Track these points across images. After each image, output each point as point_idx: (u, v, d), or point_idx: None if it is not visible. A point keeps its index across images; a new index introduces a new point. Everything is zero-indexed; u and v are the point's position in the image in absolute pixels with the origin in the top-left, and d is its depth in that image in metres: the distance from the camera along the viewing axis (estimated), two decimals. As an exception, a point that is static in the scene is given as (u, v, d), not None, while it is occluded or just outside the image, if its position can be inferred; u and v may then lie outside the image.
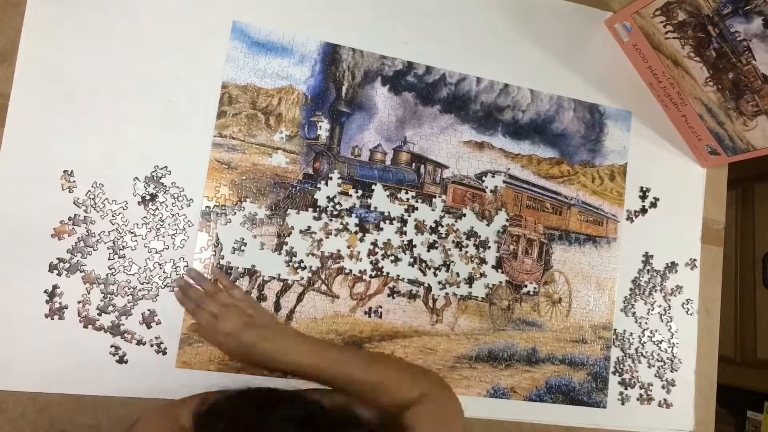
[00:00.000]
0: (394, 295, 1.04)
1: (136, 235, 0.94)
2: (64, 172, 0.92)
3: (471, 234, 1.09)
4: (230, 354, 0.94)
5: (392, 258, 1.04)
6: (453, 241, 1.08)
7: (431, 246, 1.07)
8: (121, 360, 0.92)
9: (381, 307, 1.03)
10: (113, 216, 0.94)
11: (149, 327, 0.94)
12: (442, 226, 1.07)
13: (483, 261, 1.09)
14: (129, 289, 0.94)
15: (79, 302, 0.92)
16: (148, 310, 0.94)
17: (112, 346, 0.92)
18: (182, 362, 0.94)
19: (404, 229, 1.06)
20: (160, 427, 0.77)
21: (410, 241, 1.06)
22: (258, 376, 0.96)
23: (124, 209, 0.94)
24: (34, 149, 0.92)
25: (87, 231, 0.93)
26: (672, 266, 1.19)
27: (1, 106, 0.91)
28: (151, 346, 0.94)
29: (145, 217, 0.95)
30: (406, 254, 1.05)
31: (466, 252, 1.08)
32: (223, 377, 0.95)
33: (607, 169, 1.18)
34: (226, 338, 0.88)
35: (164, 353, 0.94)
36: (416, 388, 0.87)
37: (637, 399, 1.14)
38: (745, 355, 2.00)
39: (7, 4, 0.93)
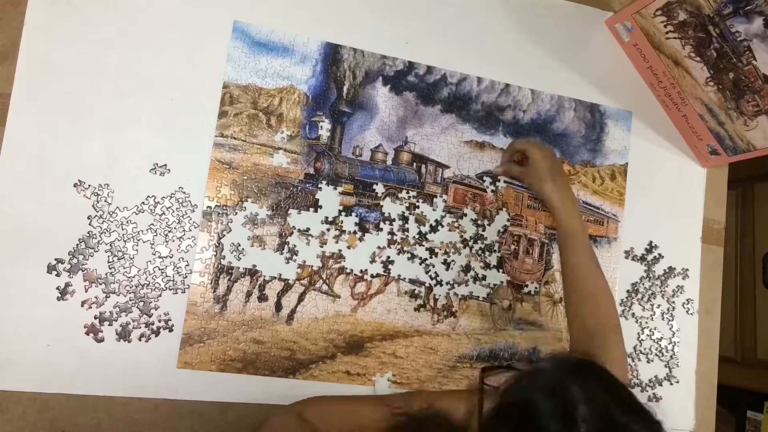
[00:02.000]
0: (396, 294, 1.04)
1: (137, 237, 0.94)
2: (65, 171, 0.92)
3: (477, 237, 1.09)
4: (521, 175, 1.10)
5: (396, 254, 1.04)
6: (453, 242, 1.08)
7: (431, 252, 1.07)
8: (123, 360, 0.92)
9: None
10: (115, 216, 0.94)
11: (151, 327, 0.94)
12: (443, 226, 1.07)
13: (485, 261, 1.09)
14: (131, 288, 0.93)
15: (82, 303, 0.91)
16: (150, 310, 0.94)
17: (113, 347, 0.92)
18: (184, 362, 0.94)
19: (406, 225, 1.06)
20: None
21: (418, 236, 1.06)
22: (258, 376, 0.96)
23: (126, 209, 0.94)
24: (35, 149, 0.92)
25: (88, 231, 0.93)
26: (672, 266, 1.19)
27: (2, 105, 0.91)
28: (153, 346, 0.94)
29: (143, 219, 0.95)
30: (405, 254, 1.05)
31: (470, 251, 1.08)
32: (224, 377, 0.95)
33: (607, 168, 1.19)
34: (537, 157, 1.05)
35: (165, 353, 0.94)
36: (612, 337, 0.97)
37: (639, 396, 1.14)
38: (745, 355, 2.01)
39: (8, 3, 0.93)
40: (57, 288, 0.91)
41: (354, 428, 0.84)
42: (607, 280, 1.12)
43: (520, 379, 0.66)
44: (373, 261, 1.03)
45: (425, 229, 1.07)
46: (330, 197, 1.03)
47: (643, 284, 1.17)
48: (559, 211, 1.04)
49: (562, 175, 1.08)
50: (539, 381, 0.64)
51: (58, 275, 0.91)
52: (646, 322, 1.16)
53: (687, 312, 1.19)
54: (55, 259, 0.91)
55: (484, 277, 1.09)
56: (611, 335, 0.97)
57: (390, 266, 1.04)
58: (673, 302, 1.18)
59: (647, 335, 1.16)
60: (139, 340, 0.93)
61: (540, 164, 1.04)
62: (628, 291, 1.16)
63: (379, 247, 1.04)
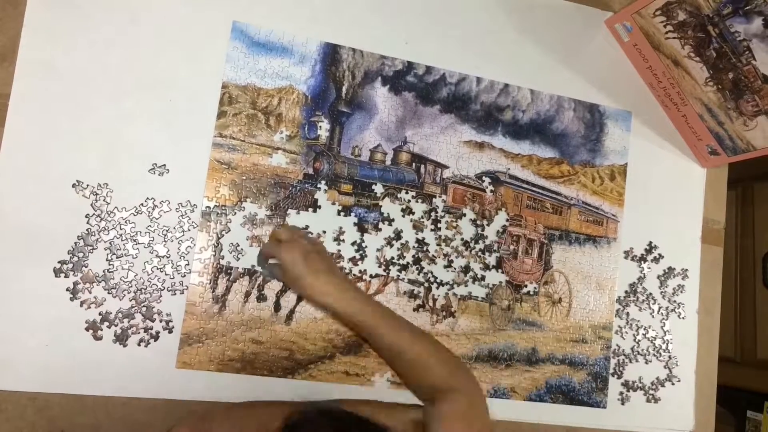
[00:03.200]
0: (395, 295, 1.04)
1: (135, 237, 0.94)
2: (64, 171, 0.92)
3: (479, 237, 1.09)
4: (284, 279, 0.89)
5: (395, 257, 1.05)
6: (451, 243, 1.08)
7: (428, 256, 1.07)
8: (122, 360, 0.92)
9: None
10: (114, 216, 0.94)
11: (149, 327, 0.94)
12: (440, 224, 1.07)
13: (484, 261, 1.09)
14: (131, 291, 0.93)
15: (81, 303, 0.92)
16: (149, 310, 0.94)
17: (112, 347, 0.92)
18: (182, 362, 0.94)
19: (405, 223, 1.06)
20: None
21: (421, 240, 1.06)
22: (257, 376, 0.96)
23: (124, 209, 0.94)
24: (34, 149, 0.92)
25: (87, 231, 0.93)
26: (671, 266, 1.19)
27: (1, 105, 0.91)
28: (152, 346, 0.94)
29: (142, 220, 0.95)
30: (405, 256, 1.06)
31: (470, 251, 1.08)
32: (223, 377, 0.95)
33: (607, 169, 1.18)
34: (286, 262, 0.85)
35: (164, 353, 0.94)
36: (453, 379, 0.85)
37: (638, 399, 1.14)
38: (745, 355, 2.00)
39: (7, 4, 0.93)
40: (56, 288, 0.91)
41: None
42: (607, 280, 1.13)
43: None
44: (380, 265, 1.03)
45: (423, 234, 1.07)
46: (327, 204, 1.03)
47: (642, 284, 1.17)
48: (333, 308, 0.85)
49: (322, 267, 0.86)
50: None
51: (57, 275, 0.91)
52: (646, 323, 1.16)
53: (686, 312, 1.19)
54: (54, 259, 0.91)
55: (483, 278, 1.09)
56: (450, 382, 0.85)
57: (390, 267, 1.04)
58: (673, 302, 1.18)
59: (646, 336, 1.16)
60: (138, 345, 0.93)
61: (291, 269, 0.85)
62: (626, 291, 1.16)
63: (378, 249, 1.04)
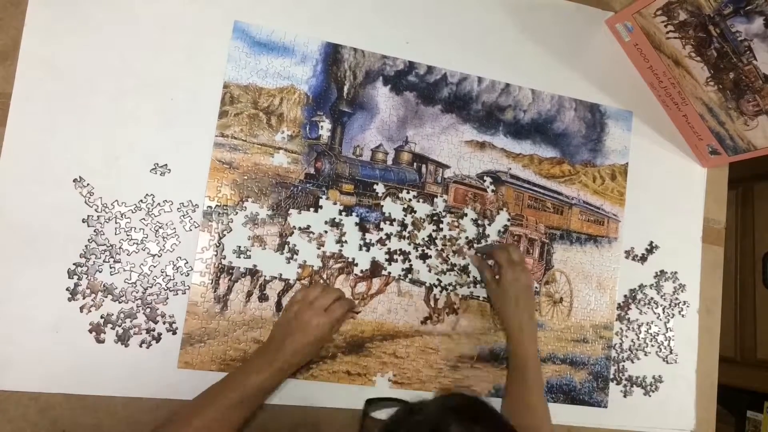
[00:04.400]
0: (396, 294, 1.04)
1: (137, 237, 0.94)
2: (66, 171, 0.92)
3: (479, 237, 1.09)
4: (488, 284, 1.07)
5: (398, 254, 1.05)
6: (453, 242, 1.08)
7: (431, 254, 1.07)
8: (124, 360, 0.92)
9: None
10: (115, 216, 0.94)
11: (151, 328, 0.94)
12: (441, 226, 1.07)
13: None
14: (131, 289, 0.93)
15: (83, 304, 0.91)
16: (152, 311, 0.94)
17: (114, 347, 0.92)
18: (184, 362, 0.94)
19: (406, 225, 1.06)
20: None
21: (428, 241, 1.06)
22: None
23: (126, 208, 0.94)
24: (36, 148, 0.92)
25: (88, 232, 0.92)
26: (672, 266, 1.19)
27: (2, 105, 0.91)
28: (153, 346, 0.94)
29: (144, 219, 0.95)
30: (409, 255, 1.06)
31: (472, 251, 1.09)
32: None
33: (608, 168, 1.19)
34: (506, 279, 1.02)
35: (166, 353, 0.94)
36: None
37: (639, 399, 1.14)
38: (745, 355, 2.01)
39: (9, 3, 0.93)
40: (58, 288, 0.91)
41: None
42: (608, 280, 1.13)
43: (402, 417, 0.65)
44: (382, 264, 1.04)
45: (425, 233, 1.07)
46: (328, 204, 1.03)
47: (642, 284, 1.17)
48: (515, 339, 1.00)
49: (529, 301, 1.02)
50: (420, 419, 0.63)
51: (59, 276, 0.91)
52: (646, 323, 1.16)
53: (687, 312, 1.19)
54: (55, 260, 0.91)
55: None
56: None
57: (391, 265, 1.04)
58: (673, 302, 1.18)
59: (647, 335, 1.16)
60: (140, 346, 0.93)
61: (508, 288, 1.01)
62: (628, 291, 1.16)
63: (380, 249, 1.04)
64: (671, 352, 1.17)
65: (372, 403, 0.77)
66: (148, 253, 0.95)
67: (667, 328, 1.17)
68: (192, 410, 0.84)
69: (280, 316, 0.96)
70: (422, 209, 1.07)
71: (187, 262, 0.96)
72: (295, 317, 0.91)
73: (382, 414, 0.76)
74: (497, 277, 1.04)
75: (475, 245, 1.09)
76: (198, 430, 0.81)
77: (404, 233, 1.05)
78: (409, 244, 1.06)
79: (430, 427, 0.61)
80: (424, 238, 1.06)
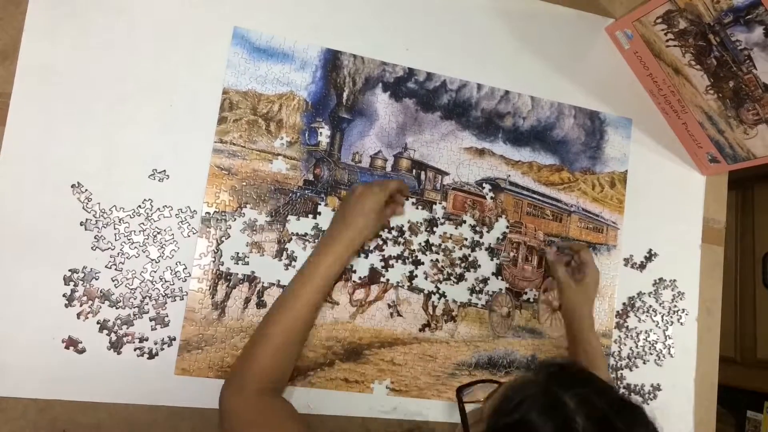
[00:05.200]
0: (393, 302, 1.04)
1: (134, 242, 0.94)
2: (64, 175, 0.92)
3: (476, 244, 1.09)
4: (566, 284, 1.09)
5: (396, 261, 1.04)
6: (450, 250, 1.08)
7: (428, 258, 1.07)
8: (120, 367, 0.92)
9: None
10: (113, 221, 0.94)
11: (149, 335, 0.93)
12: (438, 229, 1.07)
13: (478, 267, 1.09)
14: (129, 295, 0.93)
15: (77, 312, 0.91)
16: (148, 317, 0.94)
17: (110, 353, 0.92)
18: (181, 369, 0.94)
19: (404, 228, 1.06)
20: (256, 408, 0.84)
21: (428, 249, 1.06)
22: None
23: (128, 217, 0.94)
24: (34, 152, 0.92)
25: (86, 237, 0.92)
26: (671, 273, 1.19)
27: (2, 105, 0.91)
28: (151, 353, 0.93)
29: (142, 225, 0.95)
30: (407, 263, 1.05)
31: (468, 258, 1.08)
32: (222, 384, 0.95)
33: (607, 176, 1.18)
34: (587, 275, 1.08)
35: (163, 360, 0.94)
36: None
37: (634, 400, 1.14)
38: (745, 355, 2.01)
39: (9, 3, 0.93)
40: (55, 293, 0.91)
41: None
42: (607, 287, 1.13)
43: (510, 396, 0.64)
44: (380, 271, 1.03)
45: (422, 238, 1.06)
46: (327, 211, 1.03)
47: (641, 292, 1.17)
48: (584, 335, 1.05)
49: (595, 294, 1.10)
50: (530, 396, 0.62)
51: (56, 281, 0.91)
52: (645, 330, 1.16)
53: (686, 320, 1.19)
54: (52, 265, 0.91)
55: (484, 283, 1.09)
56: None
57: (388, 272, 1.04)
58: (672, 310, 1.18)
59: (646, 343, 1.16)
60: (137, 353, 0.93)
61: (592, 288, 1.08)
62: (626, 299, 1.16)
63: (379, 257, 1.04)
64: (670, 359, 1.17)
65: (462, 390, 0.77)
66: (146, 259, 0.94)
67: (666, 336, 1.17)
68: (278, 303, 0.92)
69: (339, 204, 1.02)
70: (421, 217, 1.07)
71: (185, 268, 0.96)
72: (352, 197, 0.96)
73: (478, 394, 0.77)
74: (576, 275, 1.09)
75: (557, 242, 1.13)
76: (291, 316, 0.90)
77: (400, 240, 1.05)
78: (404, 250, 1.05)
79: (544, 397, 0.61)
80: (420, 244, 1.06)
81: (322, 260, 0.92)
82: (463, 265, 1.08)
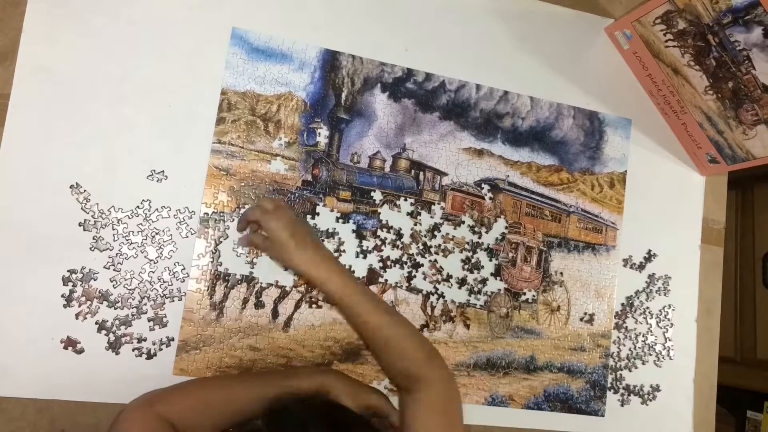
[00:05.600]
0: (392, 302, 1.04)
1: (133, 243, 0.94)
2: (63, 175, 0.92)
3: (475, 245, 1.09)
4: (267, 247, 0.92)
5: (395, 261, 1.04)
6: (448, 249, 1.08)
7: (426, 257, 1.07)
8: (119, 367, 0.92)
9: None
10: (111, 222, 0.94)
11: (147, 335, 0.94)
12: (439, 231, 1.07)
13: (480, 268, 1.09)
14: (127, 296, 0.93)
15: (76, 312, 0.91)
16: (147, 318, 0.94)
17: (109, 354, 0.92)
18: (179, 369, 0.94)
19: (402, 232, 1.06)
20: (148, 426, 0.77)
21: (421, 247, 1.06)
22: (255, 384, 0.96)
23: (126, 217, 0.94)
24: (34, 150, 0.92)
25: (85, 238, 0.92)
26: (670, 274, 1.19)
27: (1, 105, 0.91)
28: (149, 353, 0.94)
29: (141, 225, 0.95)
30: (406, 264, 1.05)
31: (467, 259, 1.08)
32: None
33: (606, 176, 1.18)
34: (272, 230, 0.88)
35: (161, 360, 0.94)
36: (428, 367, 0.86)
37: (636, 407, 1.14)
38: (745, 355, 2.01)
39: (8, 4, 0.93)
40: (54, 294, 0.91)
41: (232, 418, 0.83)
42: (606, 288, 1.12)
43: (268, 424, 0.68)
44: (378, 271, 1.03)
45: (421, 241, 1.06)
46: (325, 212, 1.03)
47: (640, 292, 1.17)
48: (317, 279, 0.88)
49: (309, 239, 0.91)
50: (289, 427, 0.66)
51: (54, 282, 0.91)
52: (644, 330, 1.16)
53: (685, 320, 1.18)
54: (51, 266, 0.91)
55: (482, 284, 1.09)
56: (425, 369, 0.87)
57: (387, 272, 1.04)
58: (671, 310, 1.18)
59: (645, 343, 1.16)
60: (135, 353, 0.93)
61: (278, 236, 0.88)
62: (625, 299, 1.16)
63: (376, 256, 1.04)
64: (669, 360, 1.16)
65: None
66: (144, 259, 0.94)
67: (665, 338, 1.17)
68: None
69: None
70: (420, 217, 1.07)
71: (183, 269, 0.96)
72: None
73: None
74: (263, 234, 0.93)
75: (235, 222, 0.99)
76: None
77: (398, 243, 1.05)
78: (403, 253, 1.05)
79: None
80: (419, 246, 1.06)
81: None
82: (466, 267, 1.08)
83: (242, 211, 0.98)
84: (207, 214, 0.97)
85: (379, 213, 1.05)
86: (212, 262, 0.97)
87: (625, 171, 1.19)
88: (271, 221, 0.88)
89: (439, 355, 0.90)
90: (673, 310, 1.18)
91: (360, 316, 0.88)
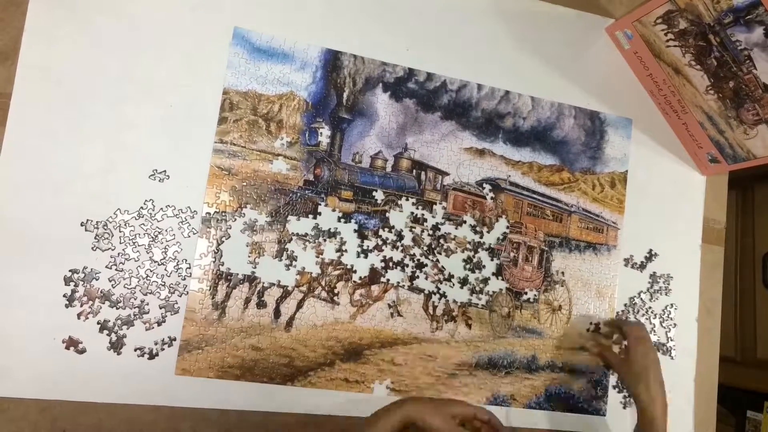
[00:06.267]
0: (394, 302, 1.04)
1: (135, 242, 0.94)
2: (64, 175, 0.92)
3: (477, 245, 1.09)
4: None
5: (397, 261, 1.04)
6: (450, 249, 1.08)
7: (429, 256, 1.07)
8: (121, 367, 0.92)
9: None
10: (113, 222, 0.93)
11: (149, 335, 0.94)
12: (438, 230, 1.07)
13: (482, 267, 1.09)
14: (129, 295, 0.93)
15: (78, 312, 0.91)
16: (149, 317, 0.94)
17: (111, 354, 0.92)
18: (182, 369, 0.94)
19: (403, 233, 1.06)
20: None
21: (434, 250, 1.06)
22: (256, 383, 0.96)
23: (128, 217, 0.94)
24: (35, 150, 0.92)
25: (87, 238, 0.92)
26: (671, 273, 1.19)
27: (2, 105, 0.91)
28: (151, 353, 0.93)
29: (143, 225, 0.95)
30: (408, 265, 1.06)
31: (469, 258, 1.08)
32: (222, 384, 0.95)
33: (607, 176, 1.18)
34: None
35: (163, 361, 0.94)
36: None
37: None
38: (745, 355, 2.01)
39: (9, 4, 0.93)
40: (55, 294, 0.91)
41: None
42: (607, 287, 1.12)
43: None
44: (380, 272, 1.03)
45: (422, 242, 1.07)
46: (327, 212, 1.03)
47: (642, 291, 1.17)
48: (648, 413, 1.01)
49: (658, 374, 1.04)
50: None
51: (56, 282, 0.91)
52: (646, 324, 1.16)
53: (686, 320, 1.19)
54: (53, 266, 0.91)
55: (484, 283, 1.09)
56: None
57: (389, 272, 1.04)
58: (672, 310, 1.18)
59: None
60: (137, 353, 0.93)
61: (638, 363, 1.03)
62: (627, 299, 1.16)
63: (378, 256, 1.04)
64: (670, 360, 1.17)
65: None
66: (146, 260, 0.94)
67: (667, 338, 1.17)
68: None
69: None
70: (421, 217, 1.07)
71: (186, 268, 0.96)
72: None
73: None
74: (621, 354, 1.09)
75: (601, 324, 1.14)
76: None
77: (399, 244, 1.05)
78: (404, 253, 1.06)
79: None
80: (422, 247, 1.06)
81: None
82: (468, 267, 1.08)
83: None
84: (209, 213, 0.97)
85: (386, 211, 1.05)
86: (214, 261, 0.97)
87: (626, 171, 1.19)
88: (640, 347, 1.04)
89: None
90: (676, 308, 1.18)
91: None
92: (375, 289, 1.04)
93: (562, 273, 1.13)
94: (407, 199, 1.06)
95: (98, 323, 0.92)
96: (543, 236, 1.14)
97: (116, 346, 0.92)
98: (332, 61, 1.05)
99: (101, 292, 0.92)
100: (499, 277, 1.10)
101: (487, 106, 1.13)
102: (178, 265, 0.95)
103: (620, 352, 1.11)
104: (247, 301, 0.98)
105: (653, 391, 1.01)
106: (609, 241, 1.17)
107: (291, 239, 1.00)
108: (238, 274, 0.97)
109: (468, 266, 1.08)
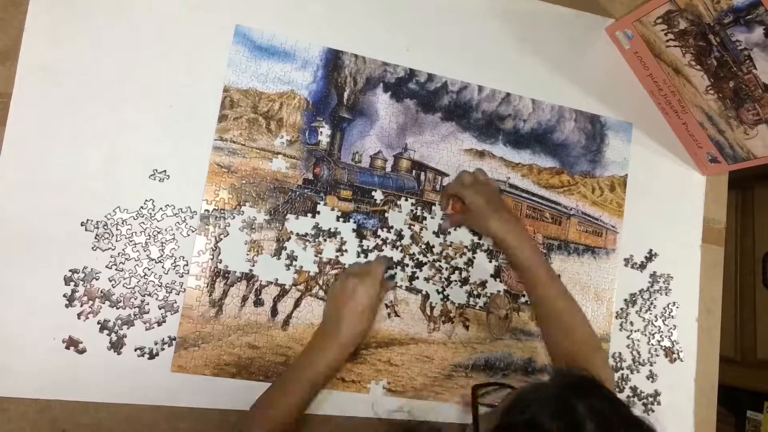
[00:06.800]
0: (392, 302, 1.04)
1: (135, 242, 0.94)
2: (64, 175, 0.93)
3: (475, 246, 1.09)
4: (464, 220, 1.06)
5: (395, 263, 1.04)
6: (448, 253, 1.08)
7: (427, 257, 1.07)
8: (118, 365, 0.92)
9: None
10: (113, 221, 0.94)
11: (149, 335, 0.94)
12: (438, 237, 1.07)
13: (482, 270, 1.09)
14: (127, 293, 0.93)
15: (78, 312, 0.91)
16: (149, 317, 0.94)
17: (109, 353, 0.92)
18: (178, 366, 0.94)
19: (402, 233, 1.05)
20: None
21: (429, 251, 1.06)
22: (253, 381, 0.96)
23: (128, 216, 0.94)
24: (35, 150, 0.92)
25: (87, 238, 0.92)
26: (671, 274, 1.18)
27: (2, 105, 0.92)
28: (151, 353, 0.93)
29: (143, 224, 0.95)
30: (408, 266, 1.05)
31: (466, 259, 1.08)
32: (218, 381, 0.95)
33: (607, 180, 1.18)
34: (469, 198, 1.01)
35: (163, 360, 0.93)
36: (594, 357, 0.94)
37: (637, 409, 1.13)
38: (746, 355, 2.00)
39: (10, 4, 0.94)
40: (54, 294, 0.91)
41: None
42: (606, 291, 1.12)
43: (523, 398, 0.66)
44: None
45: (421, 242, 1.06)
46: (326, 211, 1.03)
47: (641, 293, 1.16)
48: (508, 245, 0.97)
49: (504, 208, 1.00)
50: (543, 400, 0.64)
51: (56, 282, 0.91)
52: (644, 332, 1.15)
53: (686, 321, 1.18)
54: (53, 266, 0.91)
55: (482, 285, 1.08)
56: (592, 357, 0.95)
57: (388, 272, 1.04)
58: (672, 311, 1.17)
59: (646, 344, 1.15)
60: (134, 350, 0.93)
61: (476, 203, 0.99)
62: (626, 300, 1.16)
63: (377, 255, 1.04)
64: (670, 354, 1.16)
65: (480, 389, 0.80)
66: (146, 259, 0.94)
67: (669, 340, 1.16)
68: (266, 402, 0.88)
69: (328, 296, 0.98)
70: (419, 217, 1.07)
71: (183, 265, 0.96)
72: (341, 291, 0.92)
73: (491, 398, 0.80)
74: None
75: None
76: (275, 420, 0.86)
77: (398, 244, 1.05)
78: (403, 253, 1.05)
79: (557, 401, 0.63)
80: (421, 246, 1.06)
81: (307, 371, 0.88)
82: (468, 269, 1.08)
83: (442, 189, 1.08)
84: (208, 211, 0.97)
85: (385, 211, 1.05)
86: (212, 259, 0.97)
87: (626, 174, 1.19)
88: (470, 191, 1.00)
89: (605, 352, 0.94)
90: (678, 307, 1.17)
91: (540, 287, 0.97)
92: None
93: (560, 276, 1.13)
94: (406, 200, 1.06)
95: (98, 323, 0.92)
96: (542, 239, 1.13)
97: (116, 346, 0.92)
98: (333, 60, 1.06)
99: (101, 291, 0.92)
100: (498, 279, 1.09)
101: (488, 108, 1.13)
102: (175, 262, 0.95)
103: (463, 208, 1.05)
104: (245, 299, 0.98)
105: (504, 221, 0.97)
106: (608, 245, 1.17)
107: (289, 238, 1.00)
108: (235, 271, 0.97)
109: (467, 267, 1.08)
